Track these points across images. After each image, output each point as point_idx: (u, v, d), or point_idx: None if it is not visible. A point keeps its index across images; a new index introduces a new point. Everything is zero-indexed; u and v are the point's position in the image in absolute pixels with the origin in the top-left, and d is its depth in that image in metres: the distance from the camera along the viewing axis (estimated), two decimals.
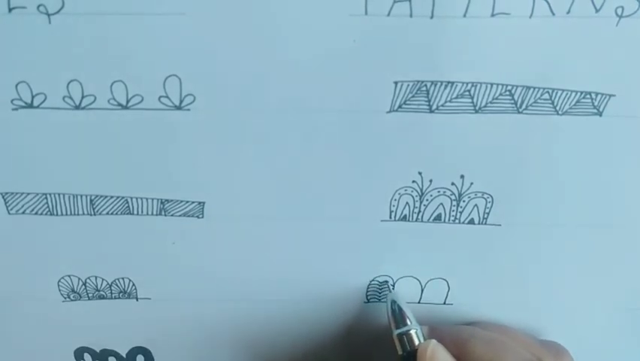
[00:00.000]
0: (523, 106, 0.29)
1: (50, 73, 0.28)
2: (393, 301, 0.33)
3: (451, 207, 0.32)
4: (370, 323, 0.36)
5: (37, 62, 0.27)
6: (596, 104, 0.29)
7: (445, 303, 0.35)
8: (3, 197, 0.31)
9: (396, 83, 0.28)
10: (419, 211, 0.32)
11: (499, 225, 0.32)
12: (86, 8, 0.26)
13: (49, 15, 0.26)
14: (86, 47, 0.27)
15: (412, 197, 0.32)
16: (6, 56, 0.27)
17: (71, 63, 0.27)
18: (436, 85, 0.28)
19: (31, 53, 0.27)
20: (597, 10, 0.26)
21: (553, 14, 0.26)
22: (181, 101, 0.29)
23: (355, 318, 0.36)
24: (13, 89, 0.28)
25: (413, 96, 0.28)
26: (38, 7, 0.26)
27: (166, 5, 0.26)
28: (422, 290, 0.35)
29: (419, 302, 0.35)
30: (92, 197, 0.31)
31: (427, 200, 0.32)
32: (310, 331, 0.36)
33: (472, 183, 0.31)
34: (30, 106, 0.28)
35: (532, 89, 0.28)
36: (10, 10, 0.26)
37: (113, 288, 0.35)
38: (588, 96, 0.28)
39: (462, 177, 0.31)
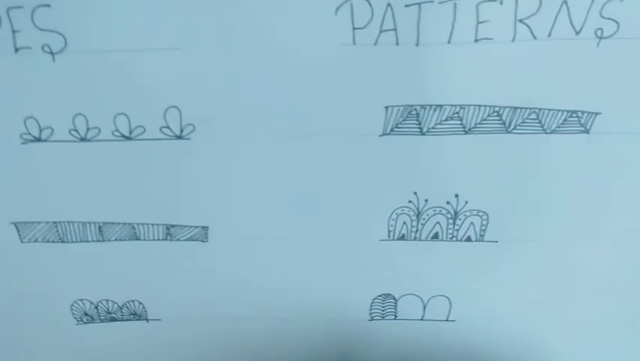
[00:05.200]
0: (512, 126, 0.29)
1: (56, 108, 0.29)
2: None
3: (447, 226, 0.33)
4: (373, 341, 0.36)
5: (44, 98, 0.29)
6: (582, 122, 0.29)
7: (447, 320, 0.36)
8: (16, 226, 0.33)
9: (387, 107, 0.29)
10: (417, 230, 0.33)
11: (496, 241, 0.33)
12: (87, 47, 0.27)
13: (53, 54, 0.27)
14: (88, 83, 0.28)
15: (409, 216, 0.32)
16: (14, 94, 0.29)
17: (76, 98, 0.29)
18: (425, 108, 0.29)
19: (38, 89, 0.28)
20: (577, 33, 0.27)
21: (535, 38, 0.27)
22: (181, 131, 0.30)
23: (359, 336, 0.36)
24: (22, 124, 0.29)
25: (404, 120, 0.29)
26: (43, 47, 0.27)
27: (161, 41, 0.27)
28: (424, 308, 0.36)
29: (422, 319, 0.36)
30: (101, 224, 0.33)
31: (424, 219, 0.32)
32: (315, 348, 0.37)
33: (466, 202, 0.32)
34: (38, 140, 0.30)
35: (519, 110, 0.29)
36: (16, 50, 0.27)
37: (124, 310, 0.36)
38: (575, 115, 0.29)
39: (456, 195, 0.32)
